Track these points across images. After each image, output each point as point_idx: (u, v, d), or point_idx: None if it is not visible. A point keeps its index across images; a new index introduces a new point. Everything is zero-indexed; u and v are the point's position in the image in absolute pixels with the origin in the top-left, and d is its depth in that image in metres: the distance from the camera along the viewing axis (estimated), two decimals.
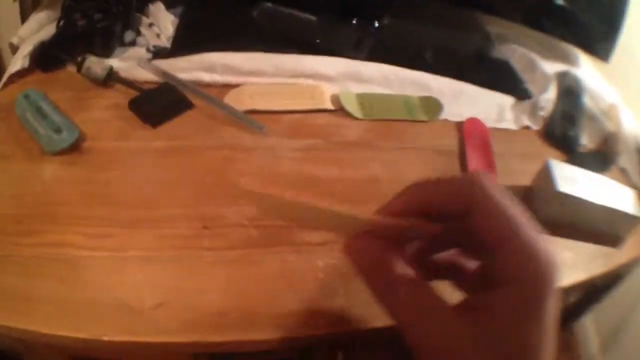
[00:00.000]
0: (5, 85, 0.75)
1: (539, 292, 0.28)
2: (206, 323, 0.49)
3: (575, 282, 0.63)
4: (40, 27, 0.83)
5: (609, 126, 0.84)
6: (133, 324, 0.49)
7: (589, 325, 1.37)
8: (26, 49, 0.77)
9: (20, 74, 0.75)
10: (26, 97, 0.69)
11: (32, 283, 0.51)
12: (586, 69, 0.99)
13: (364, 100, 0.78)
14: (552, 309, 0.28)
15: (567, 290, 0.64)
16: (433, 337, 0.28)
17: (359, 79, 0.80)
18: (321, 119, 0.74)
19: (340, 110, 0.76)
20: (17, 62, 0.75)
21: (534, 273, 0.28)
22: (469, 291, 0.35)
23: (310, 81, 0.78)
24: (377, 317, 0.52)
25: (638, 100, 0.95)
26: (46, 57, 0.77)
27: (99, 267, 0.53)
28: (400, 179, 0.67)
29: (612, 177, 0.71)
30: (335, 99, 0.77)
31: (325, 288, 0.53)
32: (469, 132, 0.78)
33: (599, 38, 0.95)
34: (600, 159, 0.80)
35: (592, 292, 0.84)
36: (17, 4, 0.92)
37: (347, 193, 0.65)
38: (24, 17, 0.92)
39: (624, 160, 0.81)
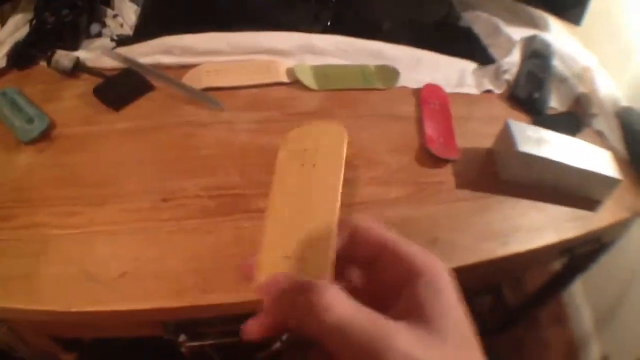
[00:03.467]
0: None
1: (436, 278, 0.31)
2: (166, 290, 0.50)
3: (545, 244, 0.62)
4: (17, 28, 0.83)
5: (582, 88, 0.82)
6: (99, 294, 0.50)
7: (581, 299, 1.30)
8: (3, 50, 0.77)
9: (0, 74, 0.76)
10: (3, 94, 0.70)
11: (8, 263, 0.53)
12: (557, 33, 0.97)
13: (319, 71, 0.77)
14: (451, 294, 0.31)
15: (540, 253, 0.63)
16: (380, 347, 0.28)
17: (314, 51, 0.79)
18: (277, 92, 0.74)
19: (296, 83, 0.76)
20: None
21: (425, 265, 0.31)
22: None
23: (265, 57, 0.78)
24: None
25: (613, 63, 0.93)
26: (20, 56, 0.78)
27: (68, 244, 0.54)
28: (357, 145, 0.68)
29: (587, 140, 0.69)
30: (291, 72, 0.76)
31: None
32: (427, 98, 0.77)
33: (569, 2, 0.93)
34: (572, 120, 0.78)
35: (577, 259, 0.80)
36: None
37: None
38: (4, 22, 0.94)
39: (599, 122, 0.79)
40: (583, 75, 0.85)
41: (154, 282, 0.51)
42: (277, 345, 0.72)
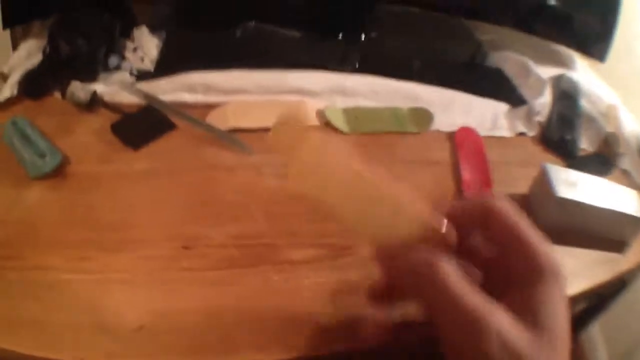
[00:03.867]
0: None
1: (555, 281, 0.33)
2: (185, 346, 0.46)
3: (579, 291, 0.60)
4: (29, 55, 0.81)
5: (608, 128, 0.82)
6: (113, 346, 0.46)
7: (597, 335, 1.32)
8: (15, 77, 0.75)
9: (9, 102, 0.72)
10: (14, 124, 0.67)
11: (15, 305, 0.49)
12: (582, 71, 0.97)
13: (350, 114, 0.75)
14: (565, 297, 0.33)
15: (572, 300, 0.60)
16: (479, 327, 0.30)
17: (344, 92, 0.78)
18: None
19: (326, 125, 0.73)
20: (6, 91, 0.73)
21: (557, 267, 0.33)
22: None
23: (294, 97, 0.75)
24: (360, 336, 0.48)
25: (635, 101, 0.93)
26: (33, 85, 0.75)
27: (79, 290, 0.50)
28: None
29: (615, 180, 0.68)
30: (321, 114, 0.74)
31: (310, 308, 0.50)
32: (461, 142, 0.75)
33: (593, 38, 0.94)
34: (601, 161, 0.78)
35: (598, 300, 0.80)
36: (8, 33, 0.90)
37: None
38: (15, 46, 0.91)
39: (626, 162, 0.78)
40: (609, 113, 0.84)
41: (172, 337, 0.47)
42: None
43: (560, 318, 0.32)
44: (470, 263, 0.38)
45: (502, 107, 0.84)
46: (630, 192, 0.67)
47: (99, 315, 0.48)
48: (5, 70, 0.79)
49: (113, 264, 0.53)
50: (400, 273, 0.35)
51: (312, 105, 0.75)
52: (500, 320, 0.30)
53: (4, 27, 0.83)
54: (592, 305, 0.84)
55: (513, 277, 0.34)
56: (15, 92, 0.73)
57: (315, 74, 0.79)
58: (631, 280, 0.75)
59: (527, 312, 0.31)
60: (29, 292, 0.50)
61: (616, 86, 0.96)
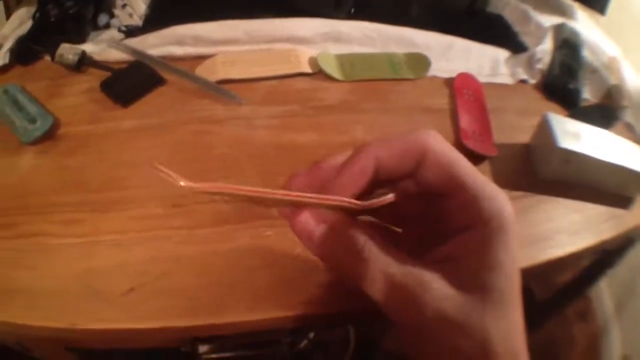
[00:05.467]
0: None
1: (505, 228, 0.29)
2: (177, 307, 0.45)
3: (585, 247, 0.57)
4: (21, 23, 0.79)
5: (612, 79, 0.78)
6: (105, 311, 0.45)
7: (605, 291, 1.31)
8: (7, 45, 0.73)
9: (1, 71, 0.71)
10: (5, 91, 0.66)
11: (9, 274, 0.49)
12: (583, 21, 0.92)
13: (344, 60, 0.72)
14: (511, 245, 0.29)
15: (576, 256, 0.58)
16: (407, 297, 0.29)
17: (338, 39, 0.74)
18: (299, 83, 0.69)
19: (319, 73, 0.70)
20: None
21: (497, 210, 0.29)
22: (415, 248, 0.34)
23: (286, 45, 0.72)
24: (358, 295, 0.46)
25: (635, 54, 0.89)
26: (24, 51, 0.73)
27: (71, 255, 0.49)
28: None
29: (617, 133, 0.65)
30: (313, 62, 0.71)
31: (304, 264, 0.48)
32: (460, 88, 0.71)
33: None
34: (604, 113, 0.74)
35: (605, 257, 0.77)
36: (1, 4, 0.88)
37: None
38: (9, 16, 0.89)
39: (629, 115, 0.75)
40: (611, 65, 0.80)
41: (163, 299, 0.45)
42: (304, 343, 0.67)
43: (506, 273, 0.29)
44: (389, 222, 0.36)
45: (502, 53, 0.80)
46: (635, 147, 0.64)
47: (90, 280, 0.47)
48: None
49: (103, 226, 0.52)
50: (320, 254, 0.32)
51: (305, 53, 0.72)
52: (433, 289, 0.28)
53: None
54: (598, 261, 0.81)
55: (450, 230, 0.31)
56: (7, 60, 0.71)
57: (307, 21, 0.75)
58: (638, 237, 0.73)
59: (467, 271, 0.29)
60: (20, 261, 0.50)
61: (616, 39, 0.92)
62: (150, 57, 0.68)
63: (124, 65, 0.69)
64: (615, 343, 1.21)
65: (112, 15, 0.78)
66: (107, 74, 0.68)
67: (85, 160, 0.58)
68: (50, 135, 0.61)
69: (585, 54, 0.82)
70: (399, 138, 0.32)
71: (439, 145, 0.31)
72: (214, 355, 0.59)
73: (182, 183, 0.28)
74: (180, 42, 0.70)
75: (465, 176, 0.30)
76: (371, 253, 0.30)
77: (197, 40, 0.71)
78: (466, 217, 0.30)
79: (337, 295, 0.47)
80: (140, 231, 0.51)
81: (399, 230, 0.36)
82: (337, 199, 0.30)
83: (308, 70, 0.70)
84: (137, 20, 0.76)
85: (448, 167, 0.30)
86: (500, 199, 0.30)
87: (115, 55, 0.70)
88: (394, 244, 0.31)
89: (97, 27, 0.77)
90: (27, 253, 0.50)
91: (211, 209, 0.53)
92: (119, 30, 0.75)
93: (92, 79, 0.68)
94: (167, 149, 0.59)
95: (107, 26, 0.77)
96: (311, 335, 0.70)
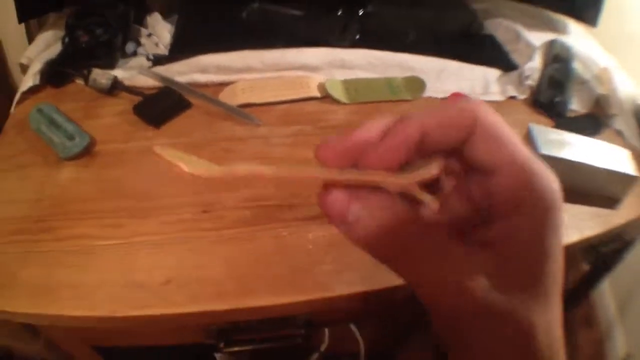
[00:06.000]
0: (19, 102, 0.83)
1: (546, 212, 0.28)
2: (209, 294, 0.56)
3: (569, 242, 0.65)
4: (47, 46, 0.91)
5: (601, 90, 0.87)
6: (144, 299, 0.56)
7: (606, 291, 1.36)
8: (36, 67, 0.84)
9: (32, 91, 0.83)
10: (39, 111, 0.77)
11: (52, 273, 0.59)
12: (576, 35, 1.02)
13: (349, 85, 0.83)
14: (561, 228, 0.28)
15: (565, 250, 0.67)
16: (449, 284, 0.28)
17: (343, 65, 0.86)
18: (309, 106, 0.80)
19: (326, 97, 0.82)
20: (28, 80, 0.83)
21: (542, 198, 0.28)
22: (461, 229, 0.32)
23: (297, 72, 0.84)
24: (363, 281, 0.58)
25: (630, 63, 0.97)
26: (55, 74, 0.85)
27: (111, 254, 0.60)
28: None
29: (608, 140, 0.74)
30: (322, 87, 0.83)
31: (315, 257, 0.59)
32: None
33: (584, 3, 0.98)
34: (591, 122, 0.83)
35: (603, 258, 0.85)
36: (22, 25, 0.99)
37: None
38: (30, 38, 1.01)
39: (619, 122, 0.84)
40: (602, 76, 0.90)
41: (197, 287, 0.56)
42: (316, 356, 0.79)
43: (555, 260, 0.28)
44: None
45: (493, 73, 0.90)
46: (621, 151, 0.72)
47: (130, 273, 0.58)
48: (24, 61, 0.89)
49: (141, 229, 0.62)
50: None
51: (314, 79, 0.84)
52: (480, 276, 0.27)
53: (20, 21, 0.93)
54: (598, 264, 0.89)
55: (496, 211, 0.29)
56: (37, 81, 0.83)
57: (316, 50, 0.87)
58: (635, 238, 0.82)
59: (516, 258, 0.28)
60: (64, 260, 0.60)
61: (611, 49, 1.00)
62: (178, 84, 0.80)
63: (153, 91, 0.80)
64: (619, 348, 1.27)
65: (138, 44, 0.90)
66: (138, 97, 0.79)
67: (122, 173, 0.70)
68: (87, 151, 0.72)
69: (576, 66, 0.91)
70: (447, 107, 0.30)
71: (490, 116, 0.29)
72: (234, 349, 0.71)
73: (185, 169, 0.29)
74: (204, 70, 0.82)
75: (516, 151, 0.28)
76: (412, 235, 0.28)
77: (219, 68, 0.82)
78: (515, 196, 0.28)
79: (344, 282, 0.58)
80: (174, 233, 0.62)
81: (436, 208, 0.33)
82: (378, 174, 0.29)
83: (317, 94, 0.82)
84: (162, 49, 0.88)
85: (498, 140, 0.29)
86: (550, 176, 0.28)
87: (145, 81, 0.82)
88: (433, 225, 0.30)
89: (125, 55, 0.88)
90: (70, 253, 0.60)
91: (235, 214, 0.64)
92: (147, 58, 0.87)
93: (123, 102, 0.80)
94: None
95: (134, 54, 0.89)
96: (322, 347, 0.81)
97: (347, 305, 0.61)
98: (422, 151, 0.29)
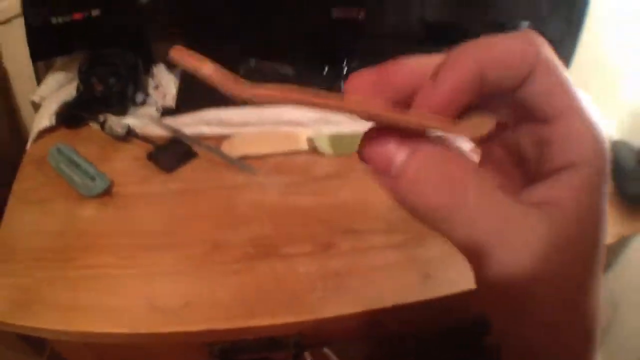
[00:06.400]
0: (35, 140, 0.98)
1: (604, 176, 0.27)
2: (220, 315, 0.71)
3: None
4: (59, 86, 1.06)
5: None
6: (165, 319, 0.70)
7: None
8: (50, 107, 1.00)
9: (47, 130, 0.99)
10: (58, 150, 0.91)
11: (78, 295, 0.73)
12: None
13: (334, 139, 0.97)
14: (607, 194, 0.27)
15: None
16: (509, 243, 0.26)
17: (328, 121, 1.00)
18: (299, 158, 0.95)
19: (314, 150, 0.97)
20: (44, 120, 0.98)
21: (601, 152, 0.26)
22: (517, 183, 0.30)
23: (289, 128, 0.99)
24: (347, 305, 0.73)
25: (604, 98, 1.05)
26: (71, 116, 1.00)
27: (133, 281, 0.75)
28: (365, 200, 0.88)
29: None
30: (310, 141, 0.97)
31: (306, 286, 0.75)
32: None
33: (556, 50, 1.14)
34: None
35: None
36: (30, 64, 1.13)
37: (322, 216, 0.86)
38: (36, 72, 1.15)
39: None
40: None
41: (210, 310, 0.71)
42: None
43: (604, 225, 0.27)
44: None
45: None
46: None
47: (150, 297, 0.72)
48: (36, 99, 1.05)
49: (158, 260, 0.77)
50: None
51: (304, 133, 0.99)
52: (539, 243, 0.25)
53: (33, 61, 1.09)
54: None
55: (547, 167, 0.27)
56: (54, 122, 0.98)
57: (305, 108, 1.03)
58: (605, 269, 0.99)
59: (569, 220, 0.26)
60: (88, 285, 0.74)
61: (585, 85, 1.12)
62: (185, 135, 0.95)
63: (163, 140, 0.95)
64: None
65: (147, 94, 1.06)
66: (149, 145, 0.94)
67: (139, 213, 0.84)
68: (106, 192, 0.87)
69: None
70: (505, 42, 0.27)
71: (551, 55, 0.27)
72: None
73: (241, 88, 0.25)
74: (208, 123, 0.98)
75: (577, 99, 0.27)
76: (469, 188, 0.26)
77: (221, 122, 0.98)
78: (569, 150, 0.26)
79: (331, 306, 0.72)
80: (189, 264, 0.77)
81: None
82: (432, 119, 0.26)
83: (306, 147, 0.97)
84: (169, 101, 1.04)
85: (560, 84, 0.26)
86: (603, 133, 0.27)
87: (155, 130, 0.97)
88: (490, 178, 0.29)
89: (135, 103, 1.04)
90: (95, 279, 0.74)
91: (240, 250, 0.79)
92: (157, 109, 1.02)
93: (136, 148, 0.95)
94: (204, 207, 0.86)
95: (144, 103, 1.04)
96: None
97: (333, 326, 0.75)
98: (480, 90, 0.27)
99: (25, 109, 1.22)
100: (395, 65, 0.29)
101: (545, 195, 0.27)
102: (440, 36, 1.14)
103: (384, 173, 0.27)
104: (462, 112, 0.27)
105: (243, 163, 0.94)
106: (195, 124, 0.99)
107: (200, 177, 0.92)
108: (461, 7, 1.13)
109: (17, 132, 1.25)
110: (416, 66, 0.28)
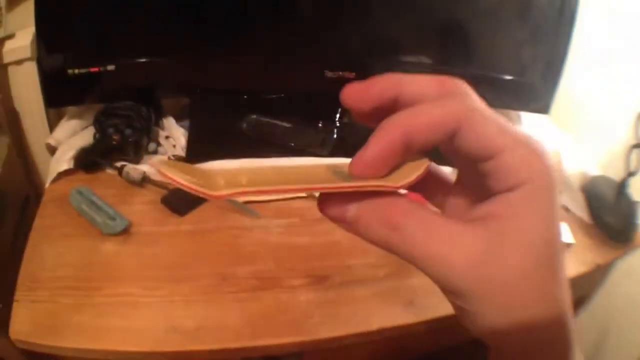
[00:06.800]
0: (54, 181, 1.13)
1: (550, 190, 0.30)
2: (229, 336, 0.84)
3: None
4: (73, 132, 1.21)
5: None
6: (183, 339, 0.83)
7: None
8: (68, 152, 1.14)
9: (65, 173, 1.13)
10: (79, 192, 1.05)
11: (102, 319, 0.83)
12: (529, 123, 1.29)
13: None
14: (559, 202, 0.31)
15: None
16: (454, 259, 0.30)
17: None
18: (297, 203, 1.09)
19: (311, 195, 1.09)
20: (63, 163, 1.12)
21: (541, 171, 0.30)
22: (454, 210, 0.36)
23: None
24: (340, 328, 0.87)
25: (579, 137, 1.22)
26: (88, 162, 1.15)
27: (153, 307, 0.86)
28: (355, 239, 1.02)
29: None
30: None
31: (305, 312, 0.87)
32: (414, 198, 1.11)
33: (536, 99, 1.21)
34: None
35: None
36: (41, 105, 1.29)
37: (317, 253, 0.99)
38: (49, 117, 1.31)
39: (565, 199, 1.08)
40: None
41: (221, 332, 0.84)
42: None
43: (557, 237, 0.31)
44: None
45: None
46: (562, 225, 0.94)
47: (169, 321, 0.85)
48: (52, 142, 1.19)
49: (176, 291, 0.90)
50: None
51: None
52: (470, 254, 0.30)
53: (49, 107, 1.25)
54: None
55: (492, 191, 0.31)
56: (72, 165, 1.13)
57: (301, 159, 1.17)
58: (585, 296, 1.08)
59: (515, 231, 0.30)
60: (112, 310, 0.85)
61: (566, 125, 1.24)
62: None
63: (176, 186, 1.13)
64: None
65: (158, 144, 1.21)
66: (163, 190, 1.08)
67: (156, 250, 0.98)
68: (126, 230, 1.00)
69: None
70: (430, 110, 0.31)
71: (476, 105, 0.31)
72: None
73: (210, 192, 0.30)
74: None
75: (507, 135, 0.30)
76: (405, 213, 0.31)
77: None
78: (517, 172, 0.30)
79: (328, 329, 0.86)
80: (202, 294, 0.90)
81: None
82: (369, 186, 0.32)
83: (303, 194, 1.10)
84: (179, 151, 1.18)
85: (484, 132, 0.30)
86: (549, 154, 0.31)
87: None
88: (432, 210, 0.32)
89: (148, 152, 1.19)
90: (118, 305, 0.86)
91: (246, 282, 0.92)
92: (168, 157, 1.17)
93: (151, 193, 1.10)
94: (214, 245, 1.00)
95: (155, 152, 1.19)
96: None
97: (329, 345, 0.87)
98: (408, 151, 0.31)
99: (35, 148, 1.37)
100: (377, 79, 0.34)
101: (490, 210, 0.31)
102: None
103: (342, 223, 0.34)
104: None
105: (247, 207, 1.07)
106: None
107: (210, 219, 1.07)
108: (445, 65, 1.27)
109: (26, 168, 1.40)
110: (394, 80, 0.34)
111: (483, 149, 0.31)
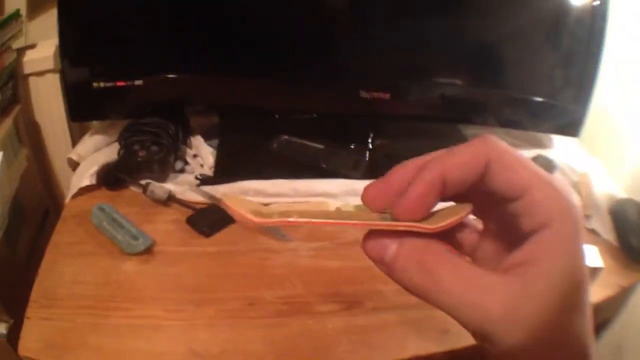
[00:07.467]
0: (75, 196, 1.15)
1: (575, 226, 0.33)
2: None
3: None
4: (96, 148, 1.23)
5: (579, 195, 1.14)
6: None
7: None
8: (90, 167, 1.16)
9: (87, 188, 1.16)
10: (101, 209, 1.06)
11: (122, 341, 0.84)
12: (561, 146, 1.32)
13: (359, 209, 1.14)
14: (583, 236, 0.34)
15: None
16: (490, 308, 0.33)
17: (356, 193, 1.12)
18: (328, 226, 1.08)
19: None
20: (84, 178, 1.14)
21: (567, 209, 0.33)
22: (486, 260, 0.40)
23: (319, 199, 1.16)
24: (370, 357, 0.87)
25: (607, 161, 1.26)
26: (112, 178, 1.17)
27: (175, 331, 0.86)
28: None
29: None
30: (339, 210, 1.10)
31: (333, 340, 0.87)
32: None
33: (566, 121, 1.25)
34: None
35: None
36: (65, 122, 1.33)
37: (348, 278, 0.99)
38: (71, 131, 1.36)
39: (594, 222, 1.10)
40: (580, 182, 1.16)
41: (243, 358, 0.85)
42: None
43: (584, 271, 0.34)
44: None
45: None
46: (590, 247, 0.93)
47: (191, 345, 0.85)
48: (74, 157, 1.21)
49: (199, 314, 0.91)
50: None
51: (333, 205, 1.14)
52: (492, 295, 0.33)
53: (73, 120, 1.28)
54: None
55: (524, 233, 0.35)
56: (94, 181, 1.15)
57: (334, 181, 1.17)
58: (608, 319, 1.08)
59: (550, 272, 0.33)
60: (133, 332, 0.86)
61: (593, 147, 1.28)
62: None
63: (202, 205, 1.11)
64: None
65: (185, 162, 1.23)
66: (188, 210, 1.10)
67: (180, 271, 0.99)
68: (148, 250, 1.02)
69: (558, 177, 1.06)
70: (461, 150, 0.36)
71: (503, 148, 0.35)
72: None
73: (253, 219, 0.34)
74: (245, 193, 1.13)
75: (537, 172, 0.35)
76: (440, 262, 0.35)
77: (257, 192, 1.13)
78: (546, 210, 0.34)
79: (359, 356, 0.86)
80: (227, 318, 0.90)
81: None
82: (406, 225, 0.35)
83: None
84: (207, 170, 1.20)
85: (516, 167, 0.35)
86: (572, 192, 0.34)
87: (194, 196, 1.13)
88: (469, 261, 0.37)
89: (174, 170, 1.20)
90: (138, 328, 0.87)
91: (273, 307, 0.93)
92: (196, 177, 1.18)
93: (176, 213, 1.11)
94: (241, 268, 1.01)
95: (182, 171, 1.21)
96: None
97: None
98: (445, 192, 0.36)
99: (56, 162, 1.42)
100: (393, 173, 0.39)
101: (520, 257, 0.34)
102: (460, 113, 1.33)
103: (379, 262, 0.37)
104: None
105: (277, 230, 1.08)
106: (233, 193, 1.15)
107: (238, 241, 1.08)
108: (477, 87, 1.30)
109: (46, 182, 1.44)
110: (409, 168, 0.38)
111: (513, 186, 0.35)
